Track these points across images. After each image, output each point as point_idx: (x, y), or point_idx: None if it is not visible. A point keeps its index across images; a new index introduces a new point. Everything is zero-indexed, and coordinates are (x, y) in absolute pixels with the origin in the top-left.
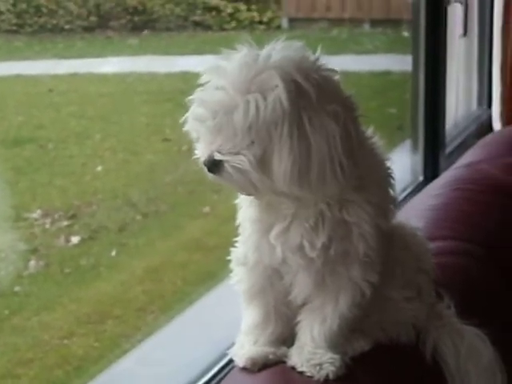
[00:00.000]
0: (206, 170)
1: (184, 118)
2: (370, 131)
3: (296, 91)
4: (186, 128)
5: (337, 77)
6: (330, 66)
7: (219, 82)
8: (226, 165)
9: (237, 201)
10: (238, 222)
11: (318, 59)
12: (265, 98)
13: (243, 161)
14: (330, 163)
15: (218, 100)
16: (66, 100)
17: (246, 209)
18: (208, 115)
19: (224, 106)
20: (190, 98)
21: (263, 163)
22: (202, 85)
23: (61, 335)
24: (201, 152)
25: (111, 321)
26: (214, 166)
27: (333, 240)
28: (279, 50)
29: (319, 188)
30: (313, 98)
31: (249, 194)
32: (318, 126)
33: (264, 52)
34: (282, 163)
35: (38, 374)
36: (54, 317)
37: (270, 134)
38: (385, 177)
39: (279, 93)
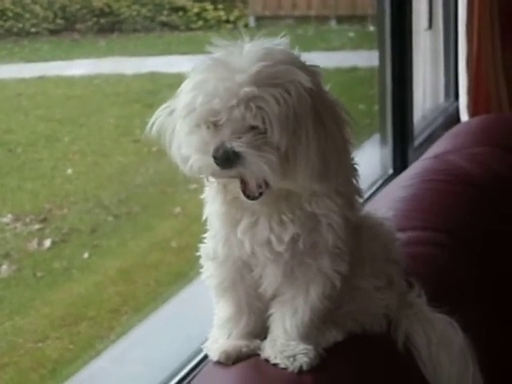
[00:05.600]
0: (213, 162)
1: (182, 106)
2: None
3: (308, 87)
4: (181, 117)
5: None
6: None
7: (224, 74)
8: (248, 157)
9: (202, 196)
10: (204, 216)
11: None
12: (288, 93)
13: (270, 154)
14: (344, 155)
15: (230, 91)
16: (34, 103)
17: (211, 204)
18: (223, 106)
19: (242, 97)
20: (188, 87)
21: (285, 158)
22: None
23: (35, 339)
24: (200, 144)
25: (85, 322)
26: (233, 157)
27: (301, 233)
28: (275, 45)
29: (334, 181)
30: (321, 93)
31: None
32: (334, 118)
33: (266, 46)
34: (309, 160)
35: (14, 378)
36: (28, 320)
37: (295, 128)
38: (350, 167)
39: (299, 88)
